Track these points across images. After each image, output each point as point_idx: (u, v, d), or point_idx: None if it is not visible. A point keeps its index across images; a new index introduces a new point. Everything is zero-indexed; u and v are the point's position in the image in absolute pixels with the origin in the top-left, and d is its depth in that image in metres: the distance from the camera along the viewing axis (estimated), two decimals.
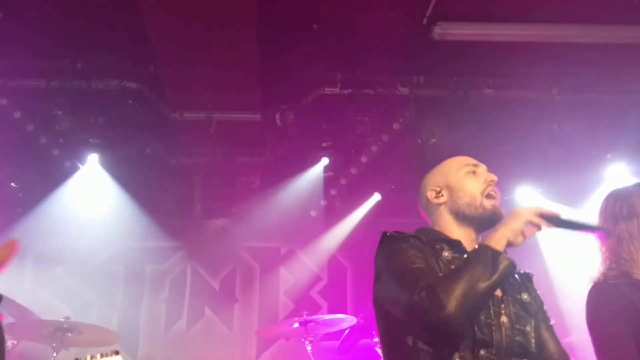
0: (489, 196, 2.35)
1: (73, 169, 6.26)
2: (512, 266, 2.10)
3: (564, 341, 2.51)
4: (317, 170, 6.65)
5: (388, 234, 2.34)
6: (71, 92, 5.78)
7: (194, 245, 6.90)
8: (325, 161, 6.60)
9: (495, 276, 2.04)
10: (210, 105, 5.96)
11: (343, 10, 5.10)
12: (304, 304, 6.57)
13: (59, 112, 5.70)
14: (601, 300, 2.65)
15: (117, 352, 2.41)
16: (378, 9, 5.05)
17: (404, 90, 5.99)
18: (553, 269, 6.29)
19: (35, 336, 4.66)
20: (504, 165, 6.14)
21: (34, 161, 6.19)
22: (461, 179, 2.41)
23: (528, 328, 2.23)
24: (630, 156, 6.26)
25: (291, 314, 6.67)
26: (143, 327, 6.64)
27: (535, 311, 2.32)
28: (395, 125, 6.21)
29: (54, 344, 4.55)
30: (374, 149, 6.37)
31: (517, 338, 2.18)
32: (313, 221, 6.86)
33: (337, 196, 6.86)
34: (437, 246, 2.28)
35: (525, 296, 2.31)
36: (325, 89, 6.07)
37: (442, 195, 2.43)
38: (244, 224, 6.77)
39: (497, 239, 2.13)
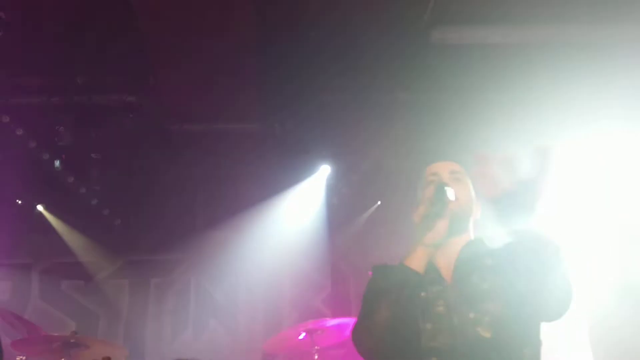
0: None
1: (76, 184, 6.27)
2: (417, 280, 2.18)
3: None
4: (318, 178, 6.67)
5: (370, 276, 2.36)
6: (72, 107, 5.80)
7: (197, 257, 6.90)
8: (326, 169, 6.62)
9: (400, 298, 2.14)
10: (210, 116, 5.98)
11: (341, 17, 5.12)
12: (308, 313, 6.57)
13: (61, 128, 5.72)
14: None
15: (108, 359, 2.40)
16: (376, 15, 5.07)
17: (403, 96, 6.00)
18: None
19: (43, 352, 4.65)
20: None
21: (38, 177, 6.20)
22: (421, 194, 2.42)
23: (486, 318, 2.14)
24: None
25: (295, 323, 6.66)
26: (149, 340, 6.64)
27: (501, 294, 2.18)
28: (395, 131, 6.21)
29: (63, 359, 4.55)
30: (374, 155, 6.38)
31: (470, 332, 2.13)
32: (315, 229, 6.87)
33: (339, 204, 6.88)
34: (415, 287, 2.25)
35: (484, 285, 2.22)
36: (325, 96, 6.07)
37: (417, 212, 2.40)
38: (246, 234, 6.77)
39: (410, 256, 2.22)
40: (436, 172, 2.43)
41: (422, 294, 2.25)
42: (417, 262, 2.21)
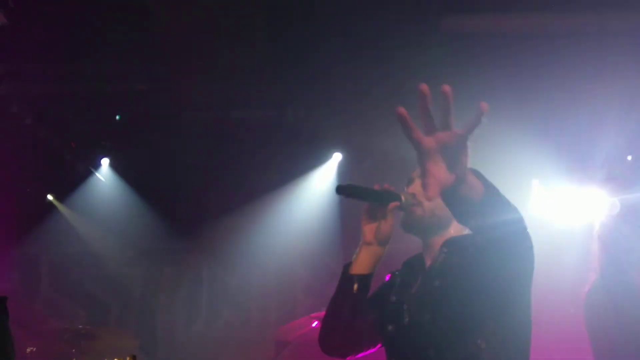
0: None
1: (87, 173, 6.27)
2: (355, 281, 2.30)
3: None
4: (330, 165, 6.62)
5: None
6: (82, 95, 5.77)
7: (210, 246, 6.89)
8: (338, 156, 6.57)
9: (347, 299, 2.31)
10: (222, 104, 5.94)
11: (353, 5, 5.05)
12: (322, 300, 6.53)
13: (70, 117, 5.70)
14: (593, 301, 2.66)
15: (134, 357, 2.37)
16: (387, 3, 4.99)
17: (413, 83, 5.91)
18: None
19: (54, 343, 4.66)
20: (518, 158, 6.09)
21: (48, 166, 6.19)
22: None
23: (428, 317, 2.13)
24: None
25: (309, 310, 6.64)
26: (161, 330, 6.65)
27: (449, 291, 2.14)
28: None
29: (74, 350, 4.56)
30: (386, 142, 6.31)
31: (417, 332, 2.15)
32: (329, 216, 6.82)
33: None
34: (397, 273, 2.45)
35: (436, 283, 2.19)
36: (337, 84, 6.02)
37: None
38: (259, 221, 6.74)
39: (355, 257, 2.35)
40: (411, 177, 2.41)
41: (393, 297, 2.33)
42: (359, 263, 2.31)
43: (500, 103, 5.78)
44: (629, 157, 6.06)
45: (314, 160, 6.59)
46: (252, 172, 6.71)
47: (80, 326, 4.57)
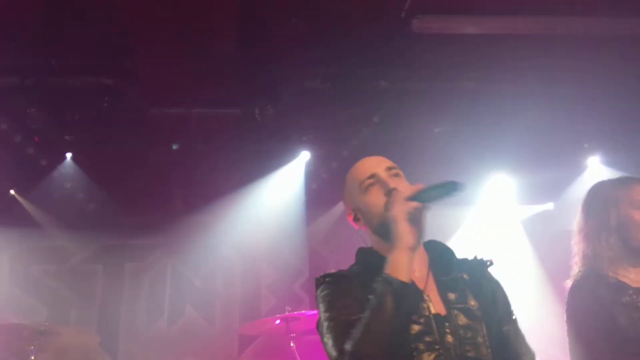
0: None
1: (50, 167, 6.16)
2: (414, 294, 2.01)
3: None
4: (298, 164, 6.62)
5: (318, 280, 2.29)
6: (46, 89, 5.67)
7: (174, 242, 6.84)
8: (306, 155, 6.58)
9: (399, 318, 1.93)
10: (189, 100, 5.90)
11: (322, 3, 5.05)
12: (286, 298, 6.57)
13: (34, 110, 5.60)
14: (572, 299, 2.72)
15: None
16: (357, 1, 5.01)
17: (384, 84, 5.97)
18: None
19: (13, 339, 4.58)
20: (483, 157, 6.19)
21: (9, 160, 6.08)
22: (364, 200, 2.23)
23: (479, 339, 2.06)
24: (606, 147, 6.34)
25: (273, 308, 6.65)
26: (123, 326, 6.57)
27: (487, 313, 2.13)
28: (376, 119, 6.19)
29: (32, 347, 4.48)
30: (354, 142, 6.35)
31: (470, 354, 2.03)
32: (294, 215, 6.83)
33: (319, 190, 6.84)
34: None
35: (472, 302, 2.13)
36: (306, 82, 6.03)
37: (359, 219, 2.28)
38: (225, 219, 6.72)
39: (395, 264, 1.98)
40: (373, 174, 2.23)
41: (422, 319, 2.07)
42: (409, 270, 2.00)
43: (470, 102, 5.91)
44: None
45: (282, 158, 6.57)
46: (218, 169, 6.68)
47: (40, 322, 4.49)
